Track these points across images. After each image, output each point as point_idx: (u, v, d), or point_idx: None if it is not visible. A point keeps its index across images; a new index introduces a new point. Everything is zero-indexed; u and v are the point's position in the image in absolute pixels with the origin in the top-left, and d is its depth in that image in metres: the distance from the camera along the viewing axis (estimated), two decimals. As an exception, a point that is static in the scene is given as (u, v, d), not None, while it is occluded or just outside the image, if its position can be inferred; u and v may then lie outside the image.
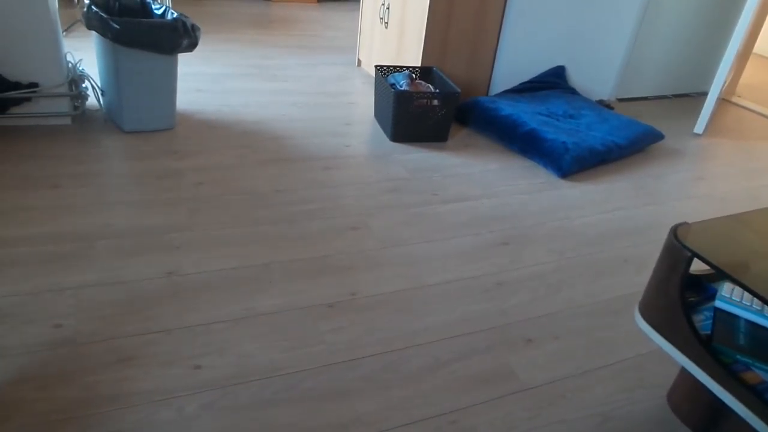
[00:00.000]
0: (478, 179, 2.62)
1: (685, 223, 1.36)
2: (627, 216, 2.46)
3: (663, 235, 1.36)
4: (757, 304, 1.32)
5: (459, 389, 1.50)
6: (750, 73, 4.72)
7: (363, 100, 3.36)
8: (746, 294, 1.35)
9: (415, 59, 3.24)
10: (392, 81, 2.99)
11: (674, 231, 1.32)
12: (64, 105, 2.58)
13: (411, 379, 1.52)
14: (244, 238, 2.00)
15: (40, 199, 2.06)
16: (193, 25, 2.51)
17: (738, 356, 1.22)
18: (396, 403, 1.44)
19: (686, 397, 1.47)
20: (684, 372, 1.46)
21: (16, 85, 2.45)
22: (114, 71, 2.48)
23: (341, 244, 2.03)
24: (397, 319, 1.72)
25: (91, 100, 2.78)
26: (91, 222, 1.97)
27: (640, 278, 2.04)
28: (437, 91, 2.95)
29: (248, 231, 2.04)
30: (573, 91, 3.59)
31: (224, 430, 1.21)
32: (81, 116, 2.69)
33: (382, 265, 1.95)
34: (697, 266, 1.27)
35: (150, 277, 1.75)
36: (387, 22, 3.51)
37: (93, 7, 2.44)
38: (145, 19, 2.51)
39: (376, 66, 3.06)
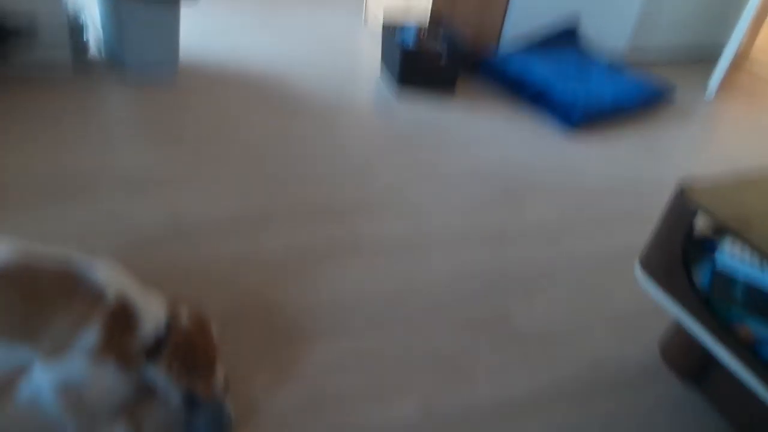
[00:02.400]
0: (484, 133, 2.60)
1: (691, 180, 1.35)
2: (632, 172, 2.46)
3: (667, 193, 1.36)
4: (756, 261, 1.34)
5: (457, 333, 1.53)
6: (766, 35, 4.62)
7: (370, 52, 3.29)
8: (746, 251, 1.36)
9: (423, 10, 3.15)
10: (400, 34, 2.92)
11: (680, 187, 1.32)
12: (65, 52, 2.50)
13: (410, 321, 1.55)
14: (246, 183, 1.99)
15: (42, 141, 2.03)
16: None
17: (733, 311, 1.25)
18: (394, 344, 1.47)
19: (678, 348, 1.50)
20: (677, 324, 1.49)
21: (16, 32, 2.37)
22: (116, 18, 2.42)
23: (345, 193, 2.03)
24: (398, 264, 1.74)
25: (93, 47, 2.71)
26: (95, 164, 1.95)
27: (640, 234, 2.03)
28: (445, 44, 2.89)
29: (251, 177, 2.03)
30: (585, 48, 3.52)
31: (226, 364, 1.23)
32: (82, 63, 2.62)
33: (385, 212, 1.96)
34: (700, 223, 1.28)
35: (153, 217, 1.76)
36: (398, -32, 3.39)
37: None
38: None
39: (384, 18, 2.99)
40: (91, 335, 0.97)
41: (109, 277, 1.03)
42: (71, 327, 0.97)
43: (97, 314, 0.98)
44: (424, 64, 2.76)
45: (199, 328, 1.12)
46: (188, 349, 1.08)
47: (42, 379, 0.99)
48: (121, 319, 1.01)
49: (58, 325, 0.97)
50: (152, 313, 1.06)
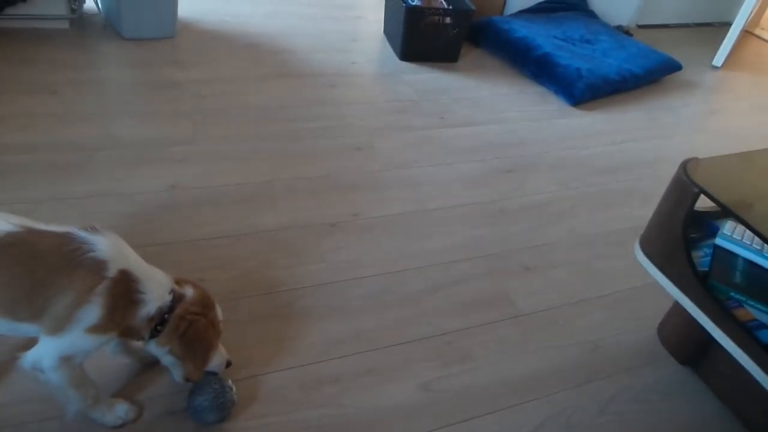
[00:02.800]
0: (487, 103, 2.56)
1: (695, 159, 1.33)
2: (635, 148, 2.43)
3: (670, 170, 1.34)
4: (757, 243, 1.32)
5: (456, 312, 1.54)
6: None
7: (372, 15, 3.22)
8: (747, 233, 1.35)
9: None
10: (404, -5, 2.85)
11: (684, 166, 1.30)
12: (61, 7, 2.47)
13: (409, 300, 1.55)
14: (247, 153, 1.97)
15: (38, 105, 2.02)
16: (195, -75, 2.36)
17: (732, 293, 1.24)
18: (394, 323, 1.47)
19: (676, 330, 1.50)
20: (676, 306, 1.49)
21: (10, -17, 2.34)
22: (112, -28, 2.37)
23: (345, 164, 2.01)
24: (398, 241, 1.73)
25: (90, 4, 2.67)
26: (92, 131, 1.94)
27: (642, 212, 2.03)
28: (450, 7, 2.82)
29: (251, 147, 2.01)
30: (592, 15, 3.44)
31: (226, 341, 1.25)
32: (79, 20, 2.59)
33: (385, 186, 1.94)
34: (701, 202, 1.26)
35: (153, 190, 1.75)
36: (401, -70, 3.29)
37: None
38: None
39: (387, -22, 2.91)
40: (92, 311, 0.98)
41: (113, 251, 1.02)
42: (73, 303, 0.97)
43: (98, 290, 0.97)
44: (428, 25, 2.70)
45: (203, 307, 1.12)
46: (191, 327, 1.08)
47: (44, 351, 1.00)
48: (124, 295, 1.01)
49: (60, 302, 0.97)
50: (156, 290, 1.06)
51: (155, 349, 1.10)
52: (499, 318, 1.54)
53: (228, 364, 1.22)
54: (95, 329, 0.99)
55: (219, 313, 1.17)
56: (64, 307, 0.97)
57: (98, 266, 0.99)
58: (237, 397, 1.20)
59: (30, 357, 1.01)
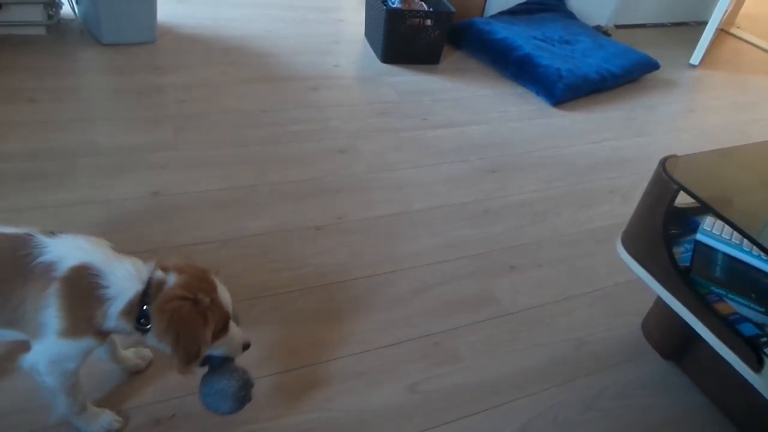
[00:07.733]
0: (468, 104, 2.57)
1: (674, 156, 1.35)
2: (616, 147, 2.46)
3: (650, 167, 1.36)
4: (736, 237, 1.35)
5: (442, 313, 1.54)
6: (751, 2, 4.58)
7: (353, 17, 3.22)
8: (727, 228, 1.37)
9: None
10: (384, -2, 2.86)
11: (663, 163, 1.32)
12: (37, 13, 2.43)
13: (396, 302, 1.55)
14: (230, 158, 1.96)
15: (16, 113, 1.99)
16: (173, -71, 2.34)
17: (713, 288, 1.26)
18: (381, 325, 1.48)
19: (659, 325, 1.52)
20: (659, 301, 1.51)
21: (-15, -10, 2.30)
22: (89, -22, 2.34)
23: (329, 167, 2.01)
24: (384, 243, 1.73)
25: (67, 9, 2.63)
26: (72, 139, 1.92)
27: (624, 209, 2.06)
28: (431, 9, 2.83)
29: (234, 151, 2.00)
30: (570, 15, 3.48)
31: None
32: (56, 26, 2.55)
33: (369, 189, 1.94)
34: (682, 199, 1.28)
35: (134, 197, 1.73)
36: (380, -67, 3.30)
37: None
38: None
39: (367, -19, 2.92)
40: (52, 315, 0.93)
41: (66, 249, 0.96)
42: (33, 311, 0.94)
43: (49, 293, 0.93)
44: (409, 27, 2.70)
45: (190, 291, 0.97)
46: (171, 319, 0.95)
47: (37, 354, 0.98)
48: (82, 292, 0.94)
49: (24, 310, 0.95)
50: (122, 281, 0.96)
51: (157, 345, 0.99)
52: (486, 317, 1.55)
53: (245, 347, 1.10)
54: (65, 333, 0.95)
55: (223, 292, 1.05)
56: (28, 315, 0.95)
57: (47, 269, 0.93)
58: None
59: (28, 359, 0.99)
